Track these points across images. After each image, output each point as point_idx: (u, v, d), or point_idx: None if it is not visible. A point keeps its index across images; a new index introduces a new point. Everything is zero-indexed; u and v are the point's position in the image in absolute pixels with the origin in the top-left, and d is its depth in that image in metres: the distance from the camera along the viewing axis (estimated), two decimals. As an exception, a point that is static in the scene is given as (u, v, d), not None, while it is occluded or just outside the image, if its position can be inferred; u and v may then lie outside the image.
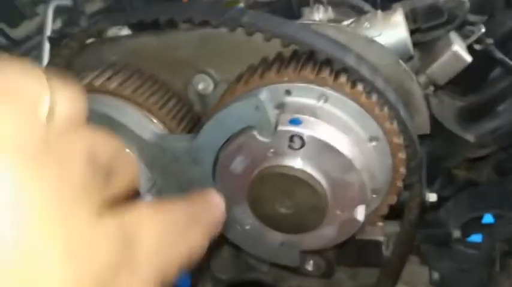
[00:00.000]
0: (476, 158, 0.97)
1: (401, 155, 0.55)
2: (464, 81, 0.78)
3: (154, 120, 0.61)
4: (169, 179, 0.59)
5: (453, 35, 0.70)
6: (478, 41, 0.73)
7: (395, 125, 0.53)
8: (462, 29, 0.75)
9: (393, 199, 0.59)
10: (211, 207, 0.37)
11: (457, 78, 0.76)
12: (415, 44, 0.67)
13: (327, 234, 0.56)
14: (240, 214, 0.59)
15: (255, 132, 0.51)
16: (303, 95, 0.53)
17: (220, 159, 0.55)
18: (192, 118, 0.67)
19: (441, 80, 0.69)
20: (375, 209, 0.60)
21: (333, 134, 0.50)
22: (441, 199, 1.01)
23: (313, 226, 0.53)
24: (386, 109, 0.53)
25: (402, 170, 0.56)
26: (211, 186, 0.57)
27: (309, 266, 0.78)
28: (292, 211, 0.53)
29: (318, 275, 0.79)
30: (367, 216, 0.60)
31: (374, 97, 0.52)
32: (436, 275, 0.91)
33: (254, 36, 0.55)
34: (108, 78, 0.61)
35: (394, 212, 0.68)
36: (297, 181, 0.51)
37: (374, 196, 0.59)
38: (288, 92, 0.53)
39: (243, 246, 0.63)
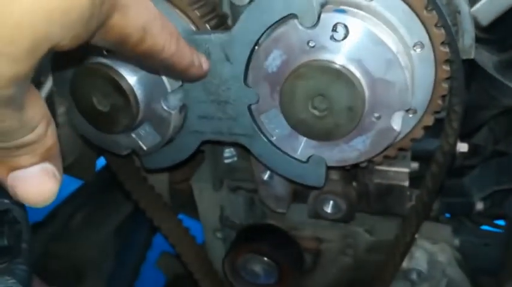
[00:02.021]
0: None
1: (446, 67, 0.52)
2: (504, 37, 0.75)
3: (187, 20, 0.59)
4: (197, 79, 0.56)
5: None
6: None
7: (442, 31, 0.50)
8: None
9: (430, 120, 0.56)
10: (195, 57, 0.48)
11: (496, 34, 0.73)
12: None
13: (359, 145, 0.53)
14: (268, 122, 0.56)
15: (296, 21, 0.48)
16: (349, -9, 0.50)
17: (254, 55, 0.52)
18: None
19: (485, 20, 0.66)
20: (410, 132, 0.57)
21: (379, 28, 0.48)
22: (466, 168, 0.97)
23: (346, 130, 0.51)
24: (434, 13, 0.50)
25: (444, 85, 0.53)
26: (241, 89, 0.55)
27: (328, 208, 0.75)
28: (326, 113, 0.50)
29: (336, 219, 0.76)
30: (401, 139, 0.57)
31: (423, -1, 0.49)
32: (456, 242, 0.87)
33: None
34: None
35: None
36: (335, 77, 0.48)
37: (410, 115, 0.56)
38: (332, -11, 0.51)
39: (267, 162, 0.60)
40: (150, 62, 0.42)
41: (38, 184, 0.32)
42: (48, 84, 1.08)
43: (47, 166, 0.32)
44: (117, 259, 1.41)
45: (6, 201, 0.46)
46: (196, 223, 0.98)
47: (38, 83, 1.08)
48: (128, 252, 1.45)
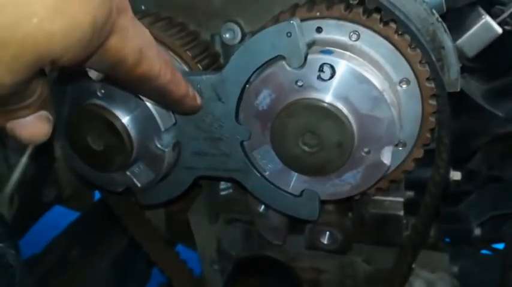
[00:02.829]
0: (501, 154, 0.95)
1: (432, 101, 0.53)
2: (491, 66, 0.77)
3: (179, 61, 0.61)
4: (190, 117, 0.57)
5: (483, 11, 0.70)
6: (506, 22, 0.73)
7: (427, 68, 0.52)
8: (492, 8, 0.74)
9: (420, 153, 0.56)
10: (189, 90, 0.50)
11: (484, 63, 0.75)
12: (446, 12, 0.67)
13: (350, 179, 0.53)
14: (261, 158, 0.57)
15: (284, 62, 0.50)
16: (334, 32, 0.52)
17: (245, 94, 0.54)
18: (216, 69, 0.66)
19: (471, 52, 0.68)
20: (401, 164, 0.57)
21: (365, 67, 0.49)
22: (463, 193, 0.97)
23: (337, 165, 0.51)
24: (418, 51, 0.51)
25: (431, 119, 0.54)
26: (233, 126, 0.56)
27: (325, 239, 0.75)
28: (316, 149, 0.51)
29: (332, 250, 0.76)
30: (392, 171, 0.58)
31: (406, 37, 0.51)
32: (455, 269, 0.87)
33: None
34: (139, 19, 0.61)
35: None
36: (324, 115, 0.49)
37: (400, 148, 0.57)
38: (319, 30, 0.53)
39: (261, 196, 0.60)
40: (145, 88, 0.44)
41: (34, 128, 0.36)
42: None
43: (42, 113, 0.36)
44: (116, 293, 1.39)
45: (0, 244, 0.46)
46: (194, 254, 0.98)
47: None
48: (126, 284, 1.43)
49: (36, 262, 1.28)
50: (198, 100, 0.53)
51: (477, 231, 0.95)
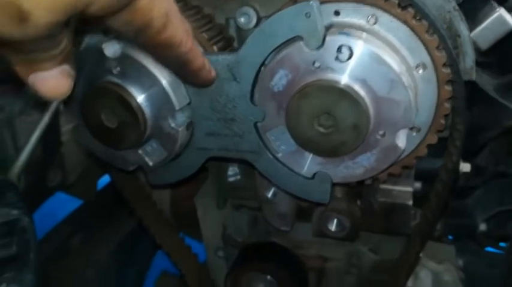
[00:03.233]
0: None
1: (448, 87, 0.53)
2: (504, 60, 0.77)
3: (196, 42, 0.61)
4: (204, 97, 0.58)
5: (496, 4, 0.70)
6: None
7: (444, 54, 0.52)
8: (506, 1, 0.74)
9: (433, 139, 0.57)
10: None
11: (496, 57, 0.75)
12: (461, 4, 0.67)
13: (364, 162, 0.54)
14: (274, 139, 0.57)
15: (301, 43, 0.50)
16: (352, 15, 0.52)
17: (261, 74, 0.54)
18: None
19: (484, 45, 0.68)
20: (414, 150, 0.57)
21: (382, 49, 0.49)
22: (469, 189, 0.98)
23: (352, 147, 0.51)
24: (436, 37, 0.52)
25: (447, 105, 0.54)
26: (248, 107, 0.56)
27: (333, 226, 0.75)
28: (332, 130, 0.51)
29: (340, 237, 0.76)
30: (405, 157, 0.58)
31: (424, 23, 0.51)
32: (460, 262, 0.87)
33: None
34: None
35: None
36: (340, 96, 0.49)
37: (414, 134, 0.57)
38: (336, 13, 0.53)
39: (272, 178, 0.60)
40: (166, 55, 0.45)
41: (57, 83, 0.36)
42: (54, 104, 1.10)
43: (64, 67, 0.36)
44: (116, 280, 1.40)
45: (15, 212, 0.46)
46: (197, 242, 0.98)
47: (44, 102, 1.10)
48: (127, 272, 1.43)
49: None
50: (213, 73, 0.54)
51: (483, 226, 0.95)
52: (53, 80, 0.35)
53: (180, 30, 0.42)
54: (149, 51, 0.46)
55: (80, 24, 0.34)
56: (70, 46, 0.36)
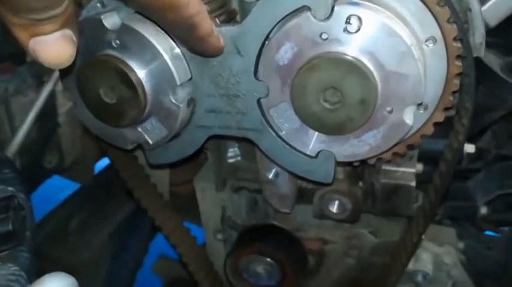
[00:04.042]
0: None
1: (458, 62, 0.52)
2: (510, 39, 0.76)
3: (198, 14, 0.59)
4: (207, 71, 0.56)
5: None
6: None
7: (455, 27, 0.50)
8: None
9: (441, 117, 0.55)
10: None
11: (503, 37, 0.74)
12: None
13: (370, 140, 0.52)
14: (277, 116, 0.56)
15: (309, 14, 0.48)
16: (361, -15, 0.50)
17: (265, 47, 0.52)
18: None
19: (492, 21, 0.67)
20: (421, 128, 0.56)
21: (392, 21, 0.47)
22: (470, 171, 0.97)
23: (358, 124, 0.50)
24: (447, 8, 0.50)
25: (456, 81, 0.53)
26: (251, 82, 0.55)
27: (334, 208, 0.75)
28: (338, 106, 0.50)
29: (341, 219, 0.75)
30: (411, 135, 0.57)
31: (435, -6, 0.50)
32: (461, 245, 0.87)
33: None
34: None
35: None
36: (348, 69, 0.48)
37: (421, 111, 0.56)
38: (345, -16, 0.51)
39: (275, 157, 0.59)
40: (172, 17, 0.42)
41: (59, 48, 0.34)
42: (50, 85, 1.07)
43: (66, 31, 0.34)
44: (113, 264, 1.39)
45: (10, 188, 0.45)
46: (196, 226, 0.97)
47: (40, 83, 1.08)
48: (124, 257, 1.43)
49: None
50: (222, 41, 0.51)
51: (483, 210, 0.95)
52: (54, 45, 0.33)
53: None
54: (154, 15, 0.43)
55: None
56: (72, 8, 0.34)
